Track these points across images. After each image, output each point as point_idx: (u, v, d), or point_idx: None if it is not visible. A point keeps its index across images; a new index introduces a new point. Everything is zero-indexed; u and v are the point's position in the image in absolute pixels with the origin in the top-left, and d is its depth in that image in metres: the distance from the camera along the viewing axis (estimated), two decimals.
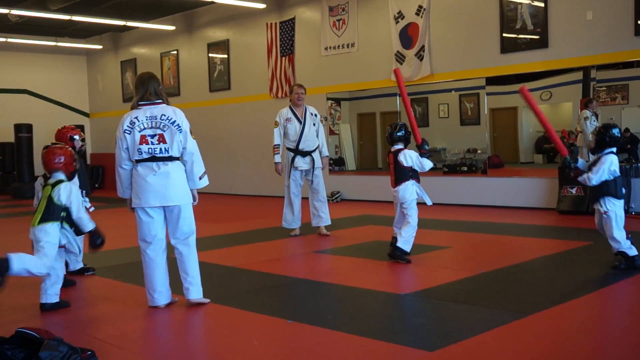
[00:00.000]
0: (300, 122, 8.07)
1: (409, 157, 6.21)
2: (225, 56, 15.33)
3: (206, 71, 15.71)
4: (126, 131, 4.68)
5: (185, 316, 4.61)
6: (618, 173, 5.62)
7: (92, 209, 5.86)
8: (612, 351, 3.64)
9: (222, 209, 12.09)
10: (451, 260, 6.48)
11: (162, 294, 4.79)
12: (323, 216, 8.23)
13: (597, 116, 10.14)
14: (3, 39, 16.83)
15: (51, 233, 4.73)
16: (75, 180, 5.23)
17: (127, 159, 4.73)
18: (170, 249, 4.83)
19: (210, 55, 15.72)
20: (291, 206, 8.19)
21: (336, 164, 13.41)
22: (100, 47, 18.66)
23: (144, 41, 17.67)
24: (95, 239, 4.99)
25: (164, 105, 4.75)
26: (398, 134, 6.31)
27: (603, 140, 5.65)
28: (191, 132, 4.74)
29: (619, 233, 5.62)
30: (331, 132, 13.42)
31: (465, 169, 12.27)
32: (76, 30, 17.69)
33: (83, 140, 6.39)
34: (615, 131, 5.65)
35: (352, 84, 12.82)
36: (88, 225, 4.91)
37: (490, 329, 4.01)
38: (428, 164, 6.24)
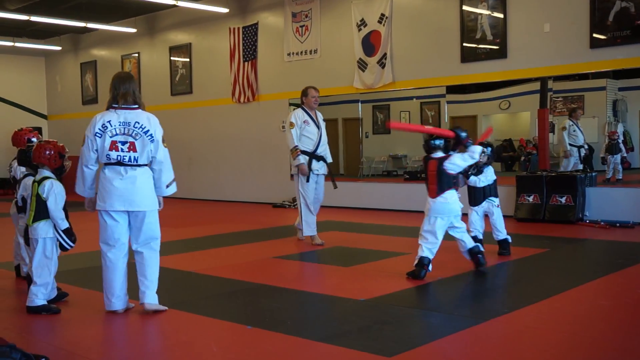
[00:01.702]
0: (317, 126, 7.86)
1: (459, 162, 5.69)
2: (188, 60, 15.23)
3: (168, 75, 15.57)
4: (97, 134, 4.61)
5: (142, 322, 4.56)
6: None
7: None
8: (563, 357, 3.72)
9: (182, 213, 12.00)
10: (410, 267, 6.53)
11: (120, 299, 4.73)
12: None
13: (578, 126, 10.39)
14: None
15: (45, 229, 4.78)
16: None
17: (95, 160, 4.69)
18: (131, 255, 4.78)
19: (172, 58, 15.60)
20: (310, 211, 7.80)
21: None
22: (59, 48, 18.36)
23: (105, 43, 17.44)
24: (68, 240, 4.87)
25: (139, 111, 4.67)
26: (437, 142, 5.82)
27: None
28: (163, 141, 4.68)
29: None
30: None
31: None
32: (35, 31, 17.38)
33: (67, 160, 6.18)
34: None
35: None
36: (62, 223, 4.81)
37: (448, 334, 4.06)
38: (476, 149, 5.70)
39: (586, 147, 10.69)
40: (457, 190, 5.91)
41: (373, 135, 14.61)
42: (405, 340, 3.97)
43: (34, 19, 14.17)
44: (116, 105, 4.66)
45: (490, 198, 6.69)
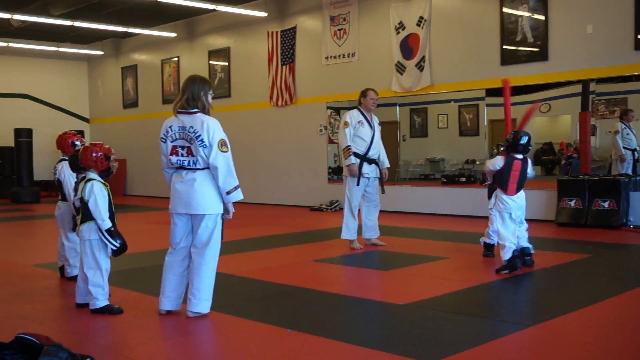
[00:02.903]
0: (371, 128, 7.72)
1: (531, 168, 6.40)
2: (226, 64, 15.38)
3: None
4: (162, 139, 4.70)
5: (185, 324, 4.61)
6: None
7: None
8: None
9: None
10: (450, 271, 6.49)
11: (169, 300, 4.77)
12: (376, 227, 7.91)
13: (630, 128, 10.18)
14: (4, 44, 16.87)
15: (89, 231, 4.85)
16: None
17: (167, 164, 4.77)
18: None
19: (211, 62, 15.76)
20: (353, 215, 7.71)
21: (335, 173, 13.43)
22: (101, 52, 18.71)
23: (145, 48, 17.71)
24: (112, 241, 4.86)
25: (198, 114, 4.63)
26: (523, 140, 6.23)
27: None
28: (223, 145, 4.58)
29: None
30: (330, 141, 13.45)
31: (464, 179, 12.29)
32: (78, 36, 17.74)
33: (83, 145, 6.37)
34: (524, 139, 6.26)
35: (352, 93, 12.82)
36: (103, 224, 4.82)
37: (489, 340, 4.02)
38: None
39: (639, 149, 10.46)
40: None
41: (410, 139, 14.53)
42: (447, 346, 3.94)
43: (77, 24, 14.47)
44: (179, 111, 4.67)
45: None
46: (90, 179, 4.93)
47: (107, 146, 5.10)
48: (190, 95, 4.67)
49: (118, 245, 4.88)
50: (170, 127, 4.67)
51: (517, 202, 6.28)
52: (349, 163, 7.58)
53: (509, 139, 6.28)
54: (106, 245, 4.88)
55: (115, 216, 4.99)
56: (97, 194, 4.84)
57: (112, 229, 4.87)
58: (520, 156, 6.29)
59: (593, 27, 9.58)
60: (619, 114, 10.68)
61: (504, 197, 6.28)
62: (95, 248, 4.88)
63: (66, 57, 19.05)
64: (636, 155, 10.47)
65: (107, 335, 4.39)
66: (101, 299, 4.87)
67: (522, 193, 6.34)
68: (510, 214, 6.25)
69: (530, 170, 6.35)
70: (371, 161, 7.73)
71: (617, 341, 4.06)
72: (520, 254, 6.20)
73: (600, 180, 9.41)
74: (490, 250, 6.92)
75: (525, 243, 6.32)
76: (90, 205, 4.82)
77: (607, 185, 9.22)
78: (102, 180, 4.98)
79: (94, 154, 4.96)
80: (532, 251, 6.35)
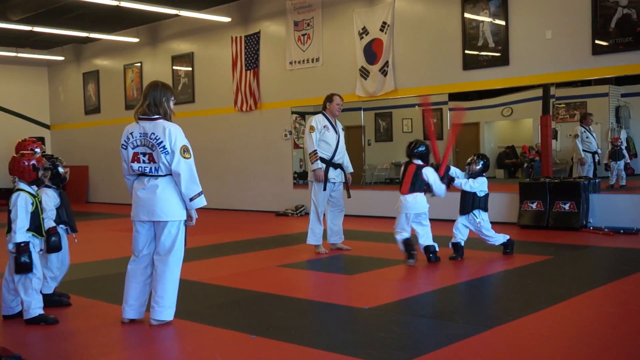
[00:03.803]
0: (336, 132, 7.72)
1: (431, 175, 6.84)
2: (190, 69, 15.27)
3: (170, 84, 15.55)
4: (122, 146, 4.63)
5: (149, 332, 4.55)
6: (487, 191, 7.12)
7: (76, 240, 5.70)
8: None
9: None
10: (414, 275, 6.52)
11: (132, 308, 4.70)
12: (341, 232, 7.92)
13: (590, 132, 10.36)
14: None
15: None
16: (28, 189, 4.91)
17: (128, 171, 4.70)
18: None
19: (174, 67, 15.64)
20: (319, 220, 7.72)
21: (300, 178, 13.43)
22: (62, 58, 18.42)
23: (107, 53, 17.50)
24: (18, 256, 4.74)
25: (160, 121, 4.58)
26: (420, 149, 6.90)
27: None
28: (185, 152, 4.53)
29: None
30: (296, 146, 13.45)
31: None
32: (37, 41, 17.45)
33: (44, 152, 6.25)
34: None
35: (317, 98, 12.84)
36: (14, 236, 4.68)
37: (452, 342, 4.05)
38: (444, 191, 6.95)
39: (600, 152, 10.66)
40: (425, 193, 6.95)
41: (375, 143, 14.61)
42: (410, 349, 3.96)
43: (36, 29, 14.23)
44: (141, 117, 4.62)
45: (475, 210, 7.06)
46: (18, 189, 4.83)
47: (38, 156, 4.98)
48: (152, 101, 4.62)
49: (21, 261, 4.66)
50: (131, 133, 4.62)
51: (406, 203, 6.85)
52: (316, 167, 7.58)
53: (409, 145, 6.98)
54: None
55: (43, 227, 4.87)
56: (19, 206, 4.73)
57: (22, 244, 4.69)
58: (418, 162, 6.89)
59: (552, 32, 9.75)
60: (579, 117, 10.89)
61: (399, 197, 6.96)
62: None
63: (26, 63, 18.70)
64: (597, 158, 10.68)
65: (68, 345, 4.30)
66: (35, 308, 4.73)
67: (419, 196, 6.87)
68: (406, 214, 6.85)
69: (429, 176, 6.82)
70: (337, 166, 7.75)
71: (577, 340, 4.13)
72: (426, 251, 6.92)
73: (561, 182, 9.57)
74: (457, 252, 7.13)
75: (429, 242, 6.92)
76: (12, 215, 4.74)
77: (568, 188, 9.37)
78: (30, 191, 4.85)
79: (22, 164, 4.86)
80: (437, 249, 6.93)
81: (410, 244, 6.81)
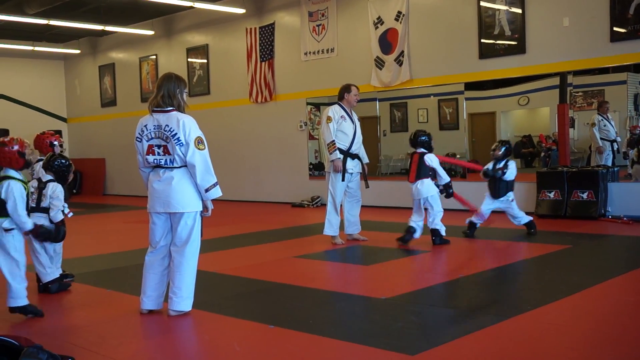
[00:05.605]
0: (352, 123, 7.70)
1: (434, 160, 7.25)
2: (205, 61, 15.29)
3: (185, 76, 15.62)
4: (137, 139, 4.66)
5: (166, 322, 4.59)
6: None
7: (71, 214, 5.77)
8: (588, 353, 3.68)
9: None
10: (432, 265, 6.52)
11: (150, 299, 4.74)
12: (358, 223, 7.92)
13: (608, 120, 10.26)
14: None
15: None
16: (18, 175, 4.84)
17: (143, 163, 4.72)
18: None
19: (189, 60, 15.67)
20: (336, 211, 7.69)
21: (316, 169, 13.43)
22: (78, 51, 18.51)
23: (123, 46, 17.56)
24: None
25: (174, 113, 4.58)
26: (422, 138, 7.32)
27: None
28: (199, 143, 4.53)
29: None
30: (311, 137, 13.44)
31: None
32: (54, 35, 17.54)
33: (62, 145, 6.32)
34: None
35: (331, 89, 12.81)
36: (24, 224, 4.70)
37: (471, 332, 4.04)
38: (447, 178, 7.31)
39: (619, 139, 10.53)
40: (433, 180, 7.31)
41: (391, 134, 14.55)
42: (429, 338, 3.96)
43: (52, 23, 14.30)
44: (154, 109, 4.63)
45: (508, 193, 7.74)
46: (6, 177, 4.70)
47: (26, 142, 4.85)
48: (166, 93, 4.64)
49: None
50: (145, 126, 4.63)
51: (416, 189, 7.25)
52: (334, 158, 7.55)
53: (410, 136, 7.45)
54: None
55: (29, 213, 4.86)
56: (17, 196, 4.65)
57: (32, 227, 4.77)
58: (421, 150, 7.32)
59: (569, 20, 9.64)
60: (596, 105, 10.78)
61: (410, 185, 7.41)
62: (10, 243, 4.70)
63: (42, 57, 18.81)
64: (615, 146, 10.57)
65: (87, 335, 4.34)
66: (22, 297, 4.72)
67: (426, 182, 7.24)
68: (418, 200, 7.29)
69: (432, 161, 7.21)
70: (354, 156, 7.74)
71: (596, 330, 4.10)
72: (432, 234, 7.32)
73: (579, 171, 9.49)
74: (470, 229, 7.86)
75: (435, 226, 7.31)
76: (9, 206, 4.63)
77: (586, 177, 9.30)
78: (20, 178, 4.76)
79: (6, 154, 4.70)
80: (444, 232, 7.33)
81: (409, 231, 7.27)
